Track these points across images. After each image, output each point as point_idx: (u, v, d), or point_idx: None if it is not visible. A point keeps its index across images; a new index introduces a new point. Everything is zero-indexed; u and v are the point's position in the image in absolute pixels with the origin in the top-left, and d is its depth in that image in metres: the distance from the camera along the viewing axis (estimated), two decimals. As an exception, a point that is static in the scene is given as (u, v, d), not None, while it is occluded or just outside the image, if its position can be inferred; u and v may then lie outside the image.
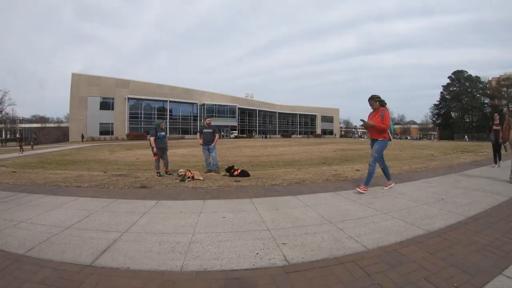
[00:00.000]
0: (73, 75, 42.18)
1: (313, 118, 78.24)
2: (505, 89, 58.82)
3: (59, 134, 51.42)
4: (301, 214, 3.22)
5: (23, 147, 19.13)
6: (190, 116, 52.84)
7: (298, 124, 75.42)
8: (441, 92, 67.20)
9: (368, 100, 4.54)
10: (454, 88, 64.99)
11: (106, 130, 43.45)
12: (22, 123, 66.95)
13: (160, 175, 6.39)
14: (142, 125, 46.01)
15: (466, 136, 52.01)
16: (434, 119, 70.73)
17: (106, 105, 44.06)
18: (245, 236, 2.55)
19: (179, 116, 51.96)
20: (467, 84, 63.27)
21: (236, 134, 56.12)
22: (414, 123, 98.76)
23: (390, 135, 4.43)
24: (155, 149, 6.73)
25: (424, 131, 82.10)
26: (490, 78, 63.98)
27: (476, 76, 63.27)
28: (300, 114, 75.48)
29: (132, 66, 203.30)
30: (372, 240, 2.42)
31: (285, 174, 6.40)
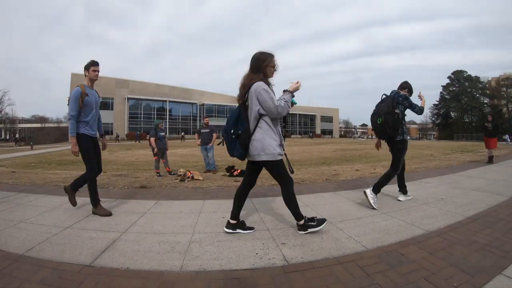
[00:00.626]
0: (73, 75, 42.08)
1: (312, 118, 78.19)
2: (505, 89, 58.87)
3: (59, 134, 51.40)
4: (301, 214, 3.22)
5: (20, 146, 19.06)
6: (190, 116, 52.81)
7: (297, 124, 75.39)
8: (441, 92, 67.27)
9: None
10: (454, 88, 65.04)
11: (105, 130, 43.16)
12: (22, 123, 66.86)
13: (159, 175, 6.39)
14: (142, 125, 45.99)
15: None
16: (433, 119, 70.79)
17: (105, 105, 43.99)
18: (244, 236, 2.55)
19: (178, 116, 51.93)
20: (466, 84, 63.33)
21: (235, 134, 55.97)
22: (414, 123, 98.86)
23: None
24: (155, 149, 6.73)
25: (423, 131, 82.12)
26: (490, 78, 64.02)
27: (476, 76, 63.32)
28: (299, 114, 75.46)
29: (137, 67, 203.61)
30: (372, 240, 2.43)
31: (284, 174, 6.38)
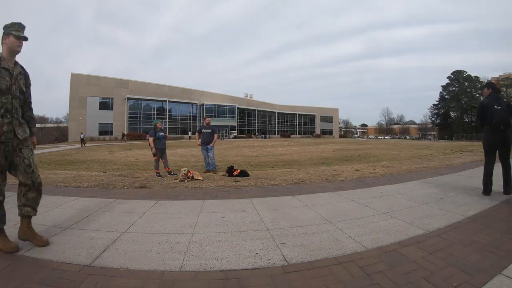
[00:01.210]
0: (73, 75, 42.10)
1: (312, 118, 78.25)
2: (505, 89, 58.95)
3: (59, 134, 51.36)
4: (300, 214, 3.22)
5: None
6: (190, 116, 52.80)
7: (297, 124, 75.42)
8: (441, 92, 67.38)
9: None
10: (454, 88, 65.15)
11: (105, 130, 43.38)
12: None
13: (159, 175, 6.39)
14: (142, 125, 45.97)
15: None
16: (433, 119, 70.88)
17: (105, 105, 43.98)
18: (244, 236, 2.55)
19: (178, 116, 51.92)
20: (466, 84, 63.45)
21: (235, 134, 56.10)
22: (414, 123, 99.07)
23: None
24: (153, 149, 6.73)
25: (423, 131, 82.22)
26: (490, 78, 64.09)
27: (476, 76, 63.47)
28: (299, 114, 75.49)
29: (142, 67, 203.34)
30: (372, 240, 2.43)
31: (284, 174, 6.40)
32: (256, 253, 2.18)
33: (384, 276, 1.82)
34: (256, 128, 64.15)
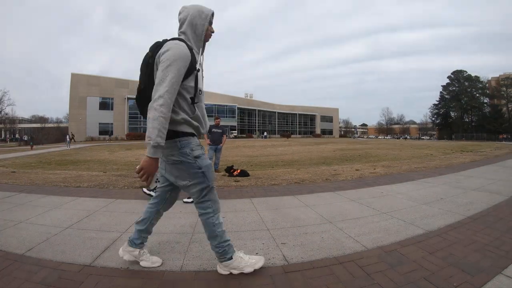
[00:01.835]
0: (73, 75, 42.14)
1: (312, 118, 78.26)
2: (505, 88, 58.92)
3: (59, 134, 51.32)
4: (301, 214, 3.22)
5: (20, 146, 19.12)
6: (189, 116, 52.74)
7: (297, 124, 75.43)
8: (441, 92, 67.35)
9: None
10: (454, 88, 65.11)
11: (105, 130, 43.41)
12: (22, 123, 66.83)
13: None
14: (142, 125, 45.96)
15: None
16: (433, 119, 70.85)
17: (105, 105, 44.01)
18: (244, 236, 2.55)
19: (178, 116, 51.87)
20: (466, 84, 63.40)
21: (235, 134, 56.09)
22: (414, 123, 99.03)
23: None
24: None
25: (423, 131, 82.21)
26: (490, 78, 64.17)
27: (476, 76, 63.42)
28: (299, 114, 75.50)
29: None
30: (372, 239, 2.43)
31: (284, 174, 6.40)
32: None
33: (384, 276, 1.82)
34: (256, 128, 64.13)
